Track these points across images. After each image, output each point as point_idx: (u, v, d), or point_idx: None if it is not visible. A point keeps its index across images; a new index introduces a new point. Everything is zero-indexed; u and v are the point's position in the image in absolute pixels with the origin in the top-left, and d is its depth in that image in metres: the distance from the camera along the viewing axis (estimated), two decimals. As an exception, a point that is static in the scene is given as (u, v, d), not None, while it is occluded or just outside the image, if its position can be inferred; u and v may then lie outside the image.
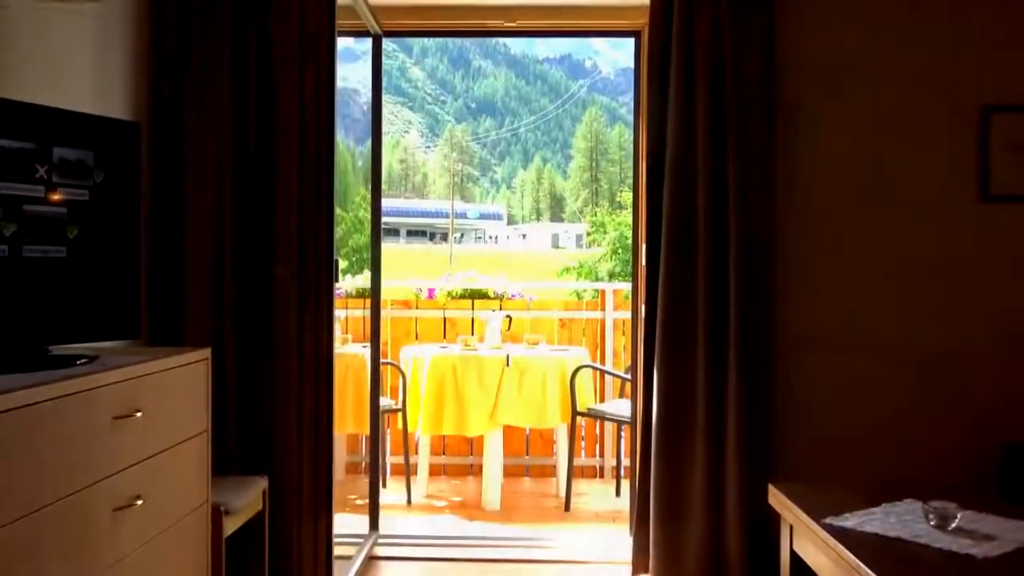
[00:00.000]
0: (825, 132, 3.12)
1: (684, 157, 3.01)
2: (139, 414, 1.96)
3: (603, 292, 5.14)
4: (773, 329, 3.07)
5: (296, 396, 2.96)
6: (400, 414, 4.44)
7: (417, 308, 5.16)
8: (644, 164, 3.18)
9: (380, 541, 3.60)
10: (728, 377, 2.99)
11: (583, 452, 5.02)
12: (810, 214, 3.11)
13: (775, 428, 3.07)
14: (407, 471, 4.40)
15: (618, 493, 4.55)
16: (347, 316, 4.98)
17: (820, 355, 3.11)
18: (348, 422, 4.29)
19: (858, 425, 3.10)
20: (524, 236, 57.62)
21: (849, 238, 3.12)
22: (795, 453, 3.10)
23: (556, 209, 66.52)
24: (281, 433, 2.95)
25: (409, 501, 4.36)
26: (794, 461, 3.09)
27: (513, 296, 5.32)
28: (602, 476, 4.95)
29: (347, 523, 3.86)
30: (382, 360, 4.13)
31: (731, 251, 2.98)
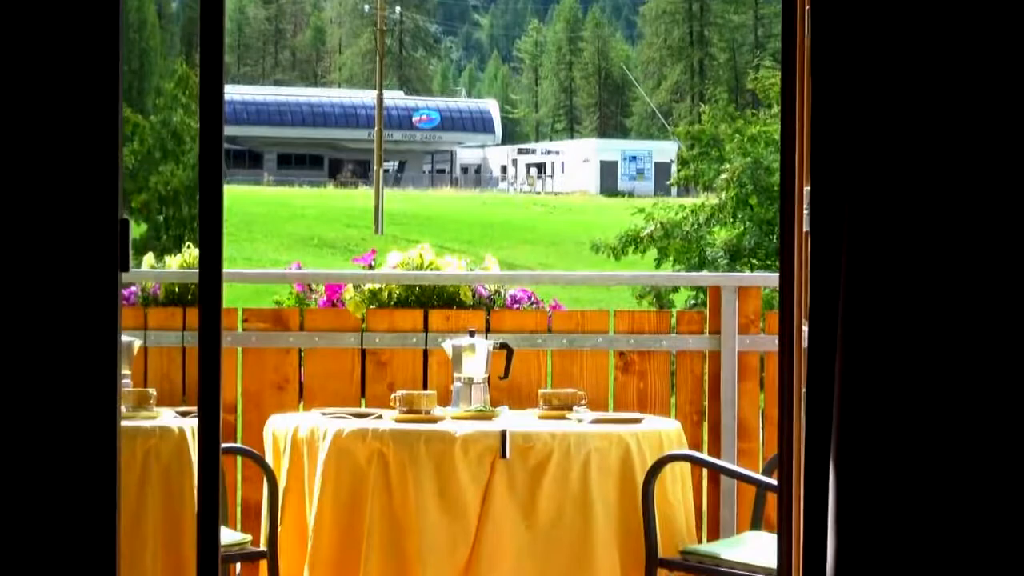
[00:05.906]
0: None
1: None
2: None
3: (715, 292, 5.16)
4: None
5: (32, 528, 2.94)
6: (264, 565, 4.47)
7: (302, 328, 5.17)
8: (804, 5, 3.20)
9: None
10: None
11: (671, 649, 5.04)
12: None
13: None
14: None
15: None
16: (146, 347, 4.98)
17: None
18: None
19: None
20: (539, 168, 58.00)
21: None
22: None
23: (611, 108, 66.93)
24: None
25: None
26: None
27: (515, 303, 5.33)
28: None
29: None
30: (225, 445, 4.12)
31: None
